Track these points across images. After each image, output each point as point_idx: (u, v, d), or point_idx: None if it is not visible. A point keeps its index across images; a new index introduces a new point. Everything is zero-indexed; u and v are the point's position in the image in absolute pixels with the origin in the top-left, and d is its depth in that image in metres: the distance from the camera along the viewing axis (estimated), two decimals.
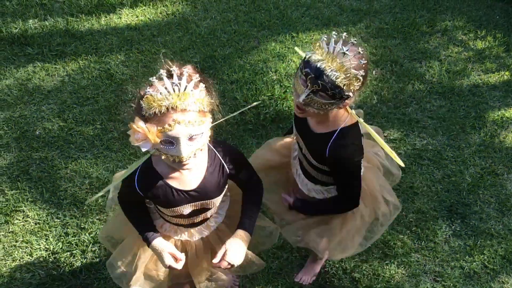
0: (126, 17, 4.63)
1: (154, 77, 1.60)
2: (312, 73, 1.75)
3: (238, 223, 1.99)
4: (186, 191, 1.87)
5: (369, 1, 5.13)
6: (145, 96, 1.57)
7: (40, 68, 4.06)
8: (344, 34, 1.78)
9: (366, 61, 1.77)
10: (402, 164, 1.99)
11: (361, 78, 1.75)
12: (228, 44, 4.44)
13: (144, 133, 1.57)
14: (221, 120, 1.80)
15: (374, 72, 4.27)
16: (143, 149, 1.61)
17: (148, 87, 1.58)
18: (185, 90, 1.57)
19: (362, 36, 4.62)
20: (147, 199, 1.93)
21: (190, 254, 2.11)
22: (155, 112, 1.55)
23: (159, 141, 1.59)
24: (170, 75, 1.61)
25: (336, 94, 1.76)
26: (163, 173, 1.83)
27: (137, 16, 4.65)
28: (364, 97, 3.96)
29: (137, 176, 1.83)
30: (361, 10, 4.99)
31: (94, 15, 4.59)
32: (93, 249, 2.95)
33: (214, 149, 1.90)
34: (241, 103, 3.82)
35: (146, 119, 1.59)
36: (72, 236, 3.00)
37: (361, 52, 1.76)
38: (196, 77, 1.63)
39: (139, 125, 1.57)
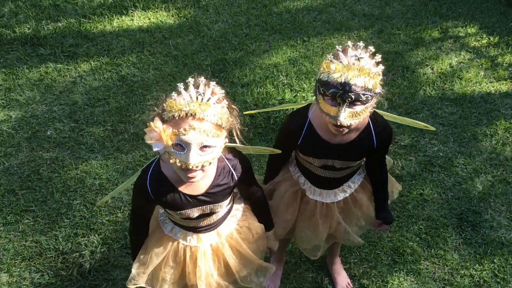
0: (138, 19, 4.65)
1: (181, 84, 1.64)
2: (340, 90, 1.76)
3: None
4: (194, 196, 1.89)
5: (381, 6, 5.12)
6: (169, 100, 1.63)
7: (52, 68, 4.09)
8: (348, 42, 1.83)
9: (380, 56, 1.82)
10: (433, 128, 2.27)
11: (381, 73, 1.82)
12: (239, 47, 4.44)
13: (159, 133, 1.61)
14: (239, 145, 1.89)
15: (385, 77, 4.24)
16: (155, 149, 1.65)
17: (174, 93, 1.63)
18: (208, 101, 1.62)
19: (373, 41, 4.60)
20: (157, 203, 1.95)
21: (199, 262, 2.10)
22: (174, 115, 1.60)
23: (171, 143, 1.62)
24: (196, 86, 1.66)
25: (369, 97, 1.81)
26: (172, 177, 1.85)
27: (149, 19, 4.67)
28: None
29: (149, 180, 1.85)
30: (373, 15, 4.98)
31: (106, 17, 4.62)
32: (102, 250, 2.95)
33: (224, 156, 1.91)
34: (251, 106, 3.82)
35: (165, 121, 1.63)
36: (82, 237, 3.01)
37: (373, 50, 1.82)
38: (221, 93, 1.68)
39: (157, 125, 1.61)
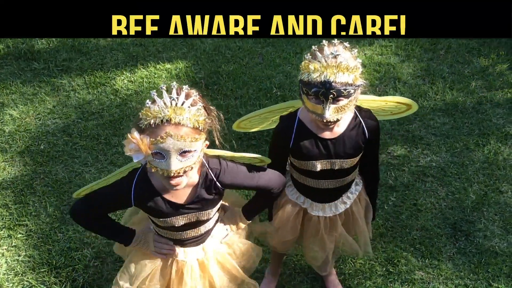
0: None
1: (154, 91, 1.65)
2: (321, 89, 1.82)
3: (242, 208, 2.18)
4: (180, 204, 1.88)
5: None
6: (144, 108, 1.63)
7: (46, 83, 4.10)
8: (323, 41, 1.89)
9: (356, 50, 1.90)
10: (415, 106, 2.26)
11: (360, 66, 1.87)
12: (233, 60, 4.48)
13: (137, 143, 1.60)
14: (225, 152, 1.89)
15: (377, 89, 4.28)
16: (135, 160, 1.65)
17: (148, 101, 1.64)
18: (182, 105, 1.62)
19: (365, 53, 4.65)
20: (140, 208, 1.93)
21: (186, 277, 2.07)
22: (150, 123, 1.60)
23: (151, 153, 1.62)
24: (169, 92, 1.66)
25: (351, 91, 1.85)
26: (157, 185, 1.84)
27: None
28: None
29: (134, 187, 1.84)
30: None
31: None
32: (95, 264, 2.94)
33: (206, 164, 1.88)
34: None
35: (142, 131, 1.63)
36: (75, 251, 3.00)
37: (348, 45, 1.90)
38: (195, 95, 1.68)
39: (134, 136, 1.60)
